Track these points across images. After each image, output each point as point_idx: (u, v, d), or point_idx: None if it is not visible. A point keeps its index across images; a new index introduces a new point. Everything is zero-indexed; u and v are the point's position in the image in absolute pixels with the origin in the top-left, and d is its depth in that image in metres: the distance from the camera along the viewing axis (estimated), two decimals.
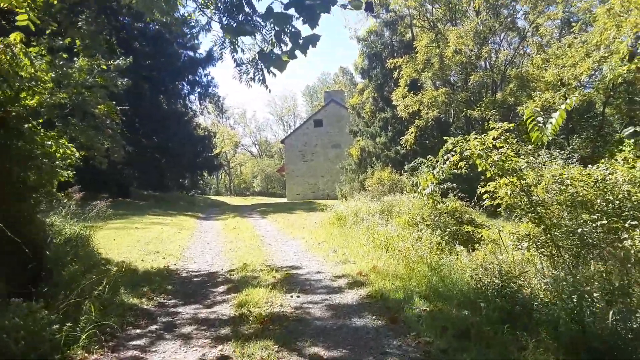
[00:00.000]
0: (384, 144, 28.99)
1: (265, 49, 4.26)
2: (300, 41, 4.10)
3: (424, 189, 10.09)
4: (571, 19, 21.60)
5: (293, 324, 4.84)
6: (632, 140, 6.18)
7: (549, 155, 8.94)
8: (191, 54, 29.20)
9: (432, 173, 8.90)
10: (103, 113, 9.65)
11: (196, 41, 28.08)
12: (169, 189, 30.44)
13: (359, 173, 31.06)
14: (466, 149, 5.85)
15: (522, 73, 24.70)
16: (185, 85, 30.47)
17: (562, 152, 12.43)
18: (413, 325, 4.50)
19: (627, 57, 12.56)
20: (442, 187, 11.37)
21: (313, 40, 4.04)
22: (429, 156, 9.53)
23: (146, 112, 26.86)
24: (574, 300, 4.06)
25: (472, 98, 26.51)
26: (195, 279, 7.47)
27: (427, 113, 25.75)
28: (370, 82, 30.76)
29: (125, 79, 9.57)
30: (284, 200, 40.05)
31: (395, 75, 26.36)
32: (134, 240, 11.05)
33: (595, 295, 4.04)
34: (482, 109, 24.32)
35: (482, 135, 5.97)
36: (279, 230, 13.14)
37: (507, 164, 5.74)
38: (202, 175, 33.42)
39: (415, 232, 8.46)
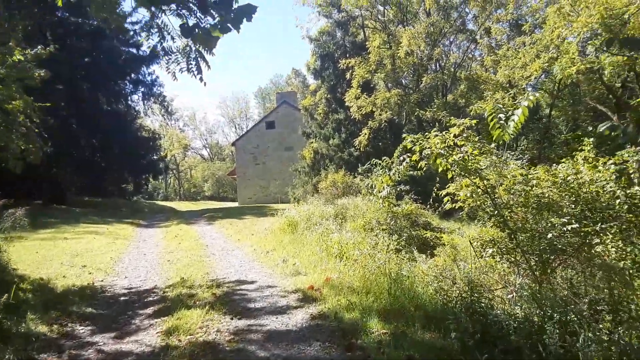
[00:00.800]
0: (338, 145, 28.54)
1: (187, 22, 3.44)
2: (232, 13, 3.32)
3: (380, 192, 9.55)
4: (519, 21, 21.89)
5: (230, 356, 4.04)
6: (591, 139, 5.82)
7: (502, 155, 8.63)
8: (134, 51, 27.54)
9: (388, 175, 8.42)
10: (18, 109, 8.46)
11: (138, 38, 26.48)
12: (110, 194, 28.59)
13: (312, 176, 30.47)
14: (426, 147, 5.25)
15: (472, 75, 24.93)
16: (128, 84, 28.73)
17: (513, 153, 12.22)
18: (373, 354, 3.79)
19: (576, 58, 12.58)
20: (397, 189, 10.82)
21: (248, 11, 3.27)
22: (384, 157, 9.09)
23: (85, 112, 25.05)
24: (557, 316, 3.52)
25: (424, 99, 26.52)
26: (122, 298, 6.49)
27: (380, 114, 25.53)
28: (323, 83, 30.27)
29: (44, 70, 8.39)
30: (235, 204, 38.82)
31: (348, 76, 25.95)
32: (59, 253, 9.83)
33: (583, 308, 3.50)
34: (434, 110, 24.33)
35: (443, 133, 5.42)
36: (225, 238, 12.21)
37: (469, 164, 5.19)
38: (147, 179, 31.62)
39: (371, 239, 7.83)
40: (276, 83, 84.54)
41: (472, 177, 5.28)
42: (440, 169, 5.24)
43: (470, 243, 5.60)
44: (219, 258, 9.14)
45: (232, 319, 5.07)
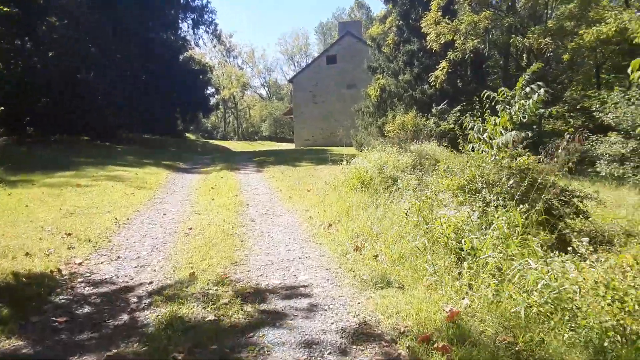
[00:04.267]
0: (408, 82, 24.63)
1: None
2: None
3: (492, 138, 6.58)
4: None
5: None
6: None
7: None
8: None
9: (508, 112, 6.33)
10: None
11: None
12: (161, 131, 26.60)
13: (377, 117, 27.00)
14: None
15: None
16: (175, 9, 25.79)
17: None
18: None
19: None
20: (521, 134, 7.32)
21: None
22: (486, 92, 6.73)
23: (131, 41, 22.61)
24: None
25: (520, 25, 21.77)
26: (87, 306, 3.77)
27: (463, 44, 21.21)
28: (394, 8, 26.01)
29: None
30: (292, 146, 36.22)
31: None
32: (52, 209, 7.36)
33: None
34: (535, 36, 19.71)
35: None
36: (273, 194, 9.32)
37: None
38: (195, 116, 29.31)
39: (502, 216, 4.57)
40: (338, 17, 79.78)
41: None
42: None
43: None
44: (259, 231, 6.23)
45: None
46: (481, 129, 7.17)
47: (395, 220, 5.60)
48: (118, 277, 4.58)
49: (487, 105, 7.15)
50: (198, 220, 6.95)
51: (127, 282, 4.43)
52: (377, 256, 4.51)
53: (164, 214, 7.62)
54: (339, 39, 35.48)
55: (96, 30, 21.53)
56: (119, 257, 5.23)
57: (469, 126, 7.60)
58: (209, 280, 4.22)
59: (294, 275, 4.36)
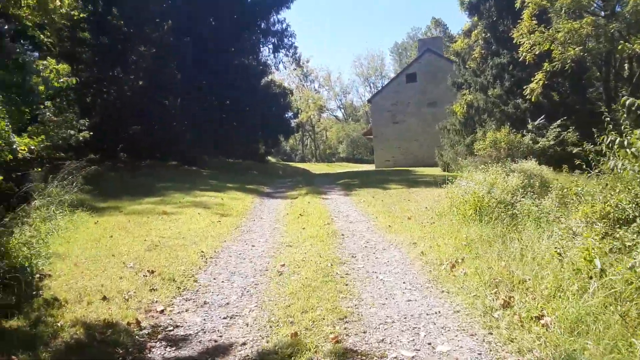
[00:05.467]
0: (499, 96, 22.79)
1: None
2: None
3: None
4: None
5: None
6: None
7: None
8: None
9: None
10: None
11: None
12: (242, 155, 26.74)
13: (464, 135, 25.28)
14: None
15: None
16: (256, 35, 26.05)
17: None
18: None
19: None
20: None
21: None
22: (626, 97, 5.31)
23: (212, 68, 22.99)
24: None
25: (625, 32, 19.32)
26: None
27: (561, 53, 19.15)
28: (480, 20, 24.52)
29: None
30: (372, 167, 35.16)
31: (517, 4, 19.90)
32: (136, 240, 6.87)
33: None
34: None
35: None
36: (369, 223, 8.28)
37: None
38: (277, 140, 29.22)
39: None
40: (413, 37, 78.44)
41: None
42: None
43: None
44: (364, 271, 5.22)
45: None
46: (625, 143, 5.72)
47: (541, 261, 4.36)
48: (204, 332, 3.77)
49: (623, 114, 5.77)
50: (290, 255, 6.08)
51: (215, 340, 3.60)
52: (541, 317, 3.31)
53: (253, 246, 6.87)
54: (419, 57, 34.23)
55: (180, 57, 22.13)
56: (205, 303, 4.45)
57: (607, 142, 6.15)
58: (317, 346, 3.25)
59: (429, 344, 3.27)
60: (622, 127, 5.45)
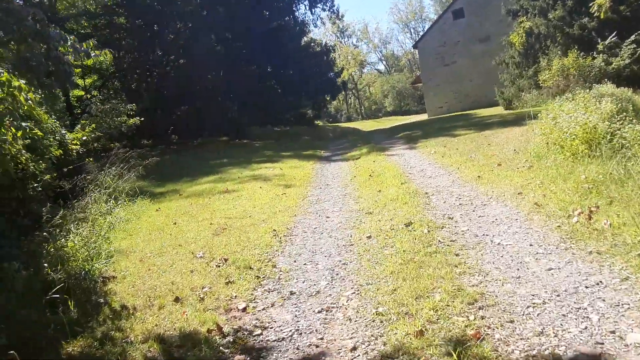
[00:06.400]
0: (561, 18, 20.43)
1: None
2: None
3: None
4: None
5: None
6: None
7: None
8: None
9: None
10: None
11: None
12: (290, 122, 25.98)
13: (525, 66, 23.23)
14: None
15: None
16: None
17: None
18: None
19: None
20: None
21: None
22: None
23: (250, 34, 22.02)
24: None
25: None
26: None
27: None
28: None
29: None
30: (424, 117, 33.50)
31: None
32: (202, 225, 6.29)
33: None
34: None
35: None
36: (451, 176, 7.28)
37: None
38: (325, 100, 28.12)
39: None
40: None
41: None
42: None
43: None
44: (472, 235, 4.31)
45: None
46: None
47: None
48: (300, 333, 3.07)
49: None
50: (374, 224, 5.27)
51: (316, 345, 2.88)
52: None
53: (327, 217, 6.12)
54: None
55: (218, 28, 21.33)
56: (292, 294, 3.75)
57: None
58: (458, 348, 2.45)
59: (612, 333, 2.38)
60: None
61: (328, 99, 28.40)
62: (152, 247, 5.43)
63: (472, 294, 3.05)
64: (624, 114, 7.87)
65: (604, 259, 3.22)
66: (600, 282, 2.92)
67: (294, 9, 25.03)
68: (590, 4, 17.70)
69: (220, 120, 22.02)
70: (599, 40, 18.19)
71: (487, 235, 4.23)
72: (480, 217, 4.81)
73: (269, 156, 13.88)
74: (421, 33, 69.51)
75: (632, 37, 17.02)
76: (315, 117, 27.58)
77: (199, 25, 20.77)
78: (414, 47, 36.72)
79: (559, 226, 4.00)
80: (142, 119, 13.37)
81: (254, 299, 3.75)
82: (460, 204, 5.46)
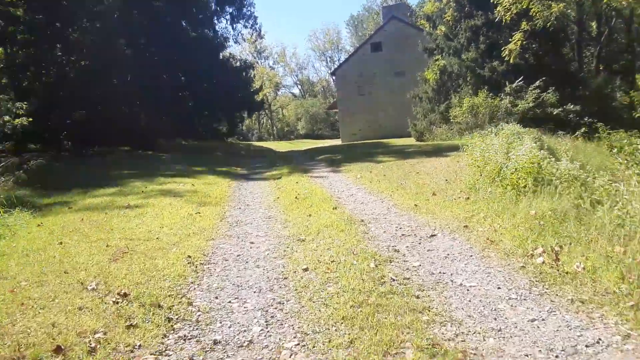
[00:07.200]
0: (474, 60, 21.74)
1: None
2: None
3: None
4: None
5: None
6: None
7: None
8: None
9: None
10: None
11: None
12: (202, 136, 24.64)
13: (437, 102, 24.35)
14: None
15: None
16: (213, 5, 23.68)
17: None
18: None
19: None
20: None
21: None
22: None
23: (166, 41, 20.66)
24: None
25: None
26: None
27: (541, 11, 18.23)
28: None
29: None
30: (338, 142, 33.88)
31: None
32: (95, 247, 5.16)
33: None
34: None
35: None
36: (384, 203, 6.81)
37: None
38: (241, 117, 27.18)
39: None
40: (369, 9, 77.28)
41: None
42: None
43: None
44: (425, 272, 3.76)
45: None
46: None
47: None
48: None
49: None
50: (309, 253, 4.58)
51: None
52: None
53: (251, 242, 5.30)
54: (384, 25, 32.86)
55: (131, 31, 19.72)
56: (215, 343, 2.92)
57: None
58: None
59: None
60: None
61: (245, 115, 27.50)
62: (28, 274, 4.24)
63: (453, 352, 2.46)
64: (543, 151, 8.04)
65: (591, 309, 2.82)
66: (600, 340, 2.48)
67: (215, 21, 24.07)
68: (502, 49, 19.00)
69: (126, 129, 20.18)
70: (507, 83, 19.48)
71: (444, 273, 3.72)
72: (430, 251, 4.32)
73: (179, 170, 12.67)
74: (337, 62, 71.64)
75: (536, 83, 18.43)
76: (230, 133, 26.46)
77: (109, 27, 19.02)
78: (332, 74, 37.25)
79: (523, 266, 3.60)
80: (31, 119, 11.63)
81: (165, 351, 2.86)
82: (403, 235, 4.96)
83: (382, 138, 28.81)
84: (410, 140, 23.01)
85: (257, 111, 36.64)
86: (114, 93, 19.98)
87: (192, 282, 4.05)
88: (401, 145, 16.09)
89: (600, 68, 26.72)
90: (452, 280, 3.53)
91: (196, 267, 4.46)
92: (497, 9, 18.67)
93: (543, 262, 3.53)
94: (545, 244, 3.81)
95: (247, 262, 4.61)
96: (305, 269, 4.12)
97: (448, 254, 4.17)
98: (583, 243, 3.67)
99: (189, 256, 4.71)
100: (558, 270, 3.36)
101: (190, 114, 22.44)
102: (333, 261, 4.21)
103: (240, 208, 7.45)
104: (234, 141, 29.18)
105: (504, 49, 18.80)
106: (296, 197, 7.61)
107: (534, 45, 20.71)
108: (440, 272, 3.73)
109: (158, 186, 9.60)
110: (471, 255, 4.05)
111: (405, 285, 3.51)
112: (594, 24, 27.48)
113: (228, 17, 24.24)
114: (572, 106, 17.91)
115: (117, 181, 10.46)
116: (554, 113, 17.84)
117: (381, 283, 3.56)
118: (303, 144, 39.80)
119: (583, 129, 16.78)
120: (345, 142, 31.07)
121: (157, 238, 5.49)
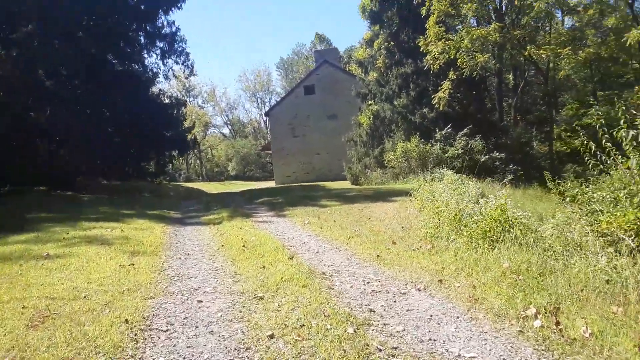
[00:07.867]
0: (405, 106, 22.50)
1: None
2: None
3: None
4: None
5: None
6: None
7: None
8: None
9: None
10: None
11: None
12: (128, 176, 23.10)
13: (371, 146, 24.79)
14: None
15: None
16: (142, 38, 22.85)
17: None
18: None
19: None
20: None
21: None
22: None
23: (91, 74, 19.43)
24: None
25: (526, 38, 20.18)
26: None
27: (467, 61, 19.40)
28: (382, 29, 24.44)
29: None
30: (272, 184, 33.39)
31: (423, 11, 19.78)
32: (8, 309, 4.21)
33: None
34: (550, 46, 18.31)
35: None
36: (344, 253, 6.33)
37: None
38: (172, 157, 25.98)
39: None
40: (298, 53, 79.37)
41: None
42: None
43: None
44: (413, 339, 3.27)
45: None
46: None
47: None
48: None
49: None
50: (271, 314, 3.98)
51: None
52: None
53: (199, 302, 4.59)
54: (316, 68, 33.50)
55: (53, 62, 18.32)
56: None
57: (627, 136, 5.21)
58: None
59: None
60: None
61: (175, 155, 26.30)
62: None
63: None
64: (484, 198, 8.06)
65: None
66: None
67: (144, 55, 23.13)
68: (432, 96, 19.83)
69: (43, 167, 18.42)
70: (437, 130, 20.21)
71: (434, 340, 3.29)
72: (410, 311, 3.89)
73: (105, 214, 11.48)
74: (269, 104, 72.15)
75: (464, 131, 19.24)
76: (158, 173, 25.06)
77: (28, 56, 17.56)
78: (266, 114, 37.19)
79: (520, 331, 3.26)
80: None
81: None
82: (373, 291, 4.50)
83: (317, 181, 28.78)
84: (346, 184, 23.02)
85: (189, 151, 35.39)
86: (32, 128, 18.30)
87: (131, 357, 3.31)
88: (340, 189, 15.86)
89: (518, 118, 28.84)
90: (447, 350, 3.10)
91: (135, 334, 3.71)
92: (426, 58, 19.64)
93: (542, 326, 3.21)
94: (536, 303, 3.52)
95: (197, 326, 3.92)
96: (271, 336, 3.52)
97: (431, 316, 3.75)
98: (575, 302, 3.43)
99: (126, 320, 3.94)
100: (562, 336, 3.05)
101: (116, 151, 21.01)
102: (303, 325, 3.65)
103: (180, 258, 6.66)
104: (161, 182, 27.81)
105: (434, 96, 19.66)
106: (244, 246, 6.95)
107: (458, 95, 21.83)
108: (430, 339, 3.30)
109: (82, 232, 8.50)
110: (458, 317, 3.66)
111: (395, 357, 3.03)
112: (510, 76, 29.78)
113: (158, 51, 23.41)
114: (497, 154, 18.88)
115: (33, 225, 9.20)
116: (482, 160, 18.65)
117: (366, 354, 3.05)
118: (235, 185, 38.85)
119: (510, 176, 17.70)
120: (279, 184, 30.65)
121: (85, 297, 4.62)
